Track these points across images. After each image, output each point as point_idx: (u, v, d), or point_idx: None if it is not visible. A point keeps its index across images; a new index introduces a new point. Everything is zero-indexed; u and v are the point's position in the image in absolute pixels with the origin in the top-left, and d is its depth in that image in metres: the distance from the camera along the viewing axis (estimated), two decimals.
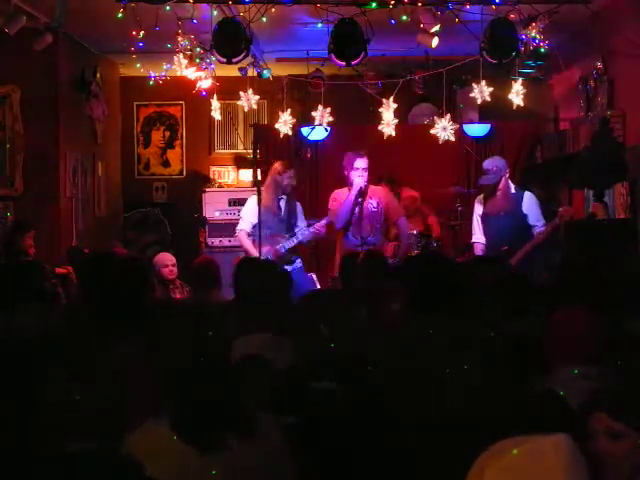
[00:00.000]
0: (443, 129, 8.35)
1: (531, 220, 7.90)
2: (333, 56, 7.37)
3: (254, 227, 8.09)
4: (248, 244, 8.12)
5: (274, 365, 3.42)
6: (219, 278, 6.60)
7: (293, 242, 8.09)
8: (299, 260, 8.24)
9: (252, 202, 8.23)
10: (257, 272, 4.88)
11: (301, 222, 8.26)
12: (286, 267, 7.46)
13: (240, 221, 8.35)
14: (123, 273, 4.61)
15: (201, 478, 2.55)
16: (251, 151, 11.35)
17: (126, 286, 4.19)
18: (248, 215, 8.22)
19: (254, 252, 7.90)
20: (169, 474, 2.48)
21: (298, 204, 8.37)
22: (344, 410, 2.20)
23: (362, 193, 8.05)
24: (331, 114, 8.37)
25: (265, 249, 7.91)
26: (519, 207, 7.90)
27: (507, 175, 8.01)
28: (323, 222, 8.08)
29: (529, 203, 7.93)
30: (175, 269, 7.60)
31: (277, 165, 8.33)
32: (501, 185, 7.95)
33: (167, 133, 12.88)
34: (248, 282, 4.72)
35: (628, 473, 2.20)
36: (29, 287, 5.08)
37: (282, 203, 8.19)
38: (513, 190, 7.99)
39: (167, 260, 7.62)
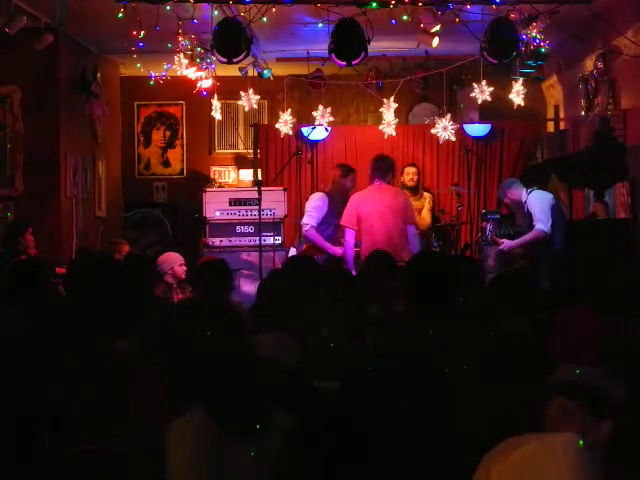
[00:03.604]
0: (444, 129, 8.37)
1: (533, 220, 7.95)
2: (333, 56, 7.37)
3: (319, 224, 8.08)
4: (321, 238, 8.06)
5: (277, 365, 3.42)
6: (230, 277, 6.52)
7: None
8: None
9: (321, 199, 8.18)
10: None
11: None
12: None
13: (307, 216, 8.23)
14: (126, 273, 4.63)
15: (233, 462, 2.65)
16: (251, 151, 11.37)
17: (128, 285, 4.20)
18: (315, 211, 8.14)
19: (333, 249, 7.91)
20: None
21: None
22: (345, 410, 2.21)
23: None
24: (332, 114, 8.38)
25: (334, 248, 7.96)
26: (528, 210, 8.01)
27: (508, 194, 8.26)
28: None
29: (529, 205, 7.99)
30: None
31: (338, 169, 8.31)
32: (507, 200, 8.33)
33: (167, 133, 12.88)
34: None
35: None
36: (30, 287, 5.10)
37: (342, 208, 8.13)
38: (523, 196, 8.05)
39: (179, 259, 7.52)
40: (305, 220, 8.18)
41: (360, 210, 7.87)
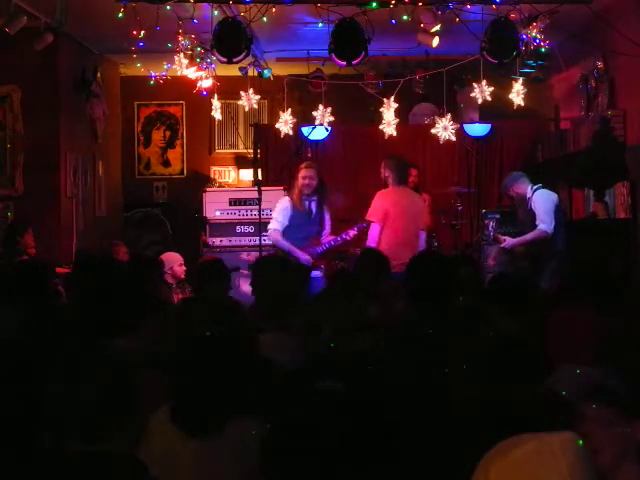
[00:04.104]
0: (444, 129, 8.36)
1: (536, 220, 7.97)
2: (334, 56, 7.37)
3: (288, 227, 7.91)
4: (286, 243, 7.85)
5: (277, 365, 3.42)
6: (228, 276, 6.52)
7: (324, 248, 7.97)
8: (322, 267, 8.11)
9: (284, 202, 8.03)
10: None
11: (328, 225, 8.14)
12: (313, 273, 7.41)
13: (272, 221, 8.08)
14: (130, 273, 4.63)
15: (194, 464, 2.71)
16: (252, 151, 11.37)
17: (132, 285, 4.20)
18: (280, 215, 7.98)
19: (299, 254, 7.74)
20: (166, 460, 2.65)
21: (326, 208, 8.15)
22: (346, 410, 2.21)
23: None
24: (332, 114, 8.37)
25: (300, 253, 7.78)
26: (531, 207, 8.04)
27: (514, 188, 8.22)
28: (354, 231, 7.97)
29: (534, 203, 8.03)
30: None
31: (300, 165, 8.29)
32: (512, 193, 8.30)
33: (167, 133, 12.89)
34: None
35: (616, 458, 2.22)
36: (31, 287, 5.10)
37: (313, 205, 7.99)
38: (529, 194, 8.06)
39: (179, 258, 7.52)
40: (269, 225, 8.11)
41: (389, 207, 7.94)
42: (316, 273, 7.71)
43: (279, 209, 8.02)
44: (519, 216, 8.46)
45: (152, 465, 2.52)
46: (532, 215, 7.98)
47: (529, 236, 7.99)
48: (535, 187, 8.06)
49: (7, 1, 7.55)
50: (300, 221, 7.89)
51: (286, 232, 7.87)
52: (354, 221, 8.21)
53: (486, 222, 8.72)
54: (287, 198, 8.03)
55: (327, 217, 8.13)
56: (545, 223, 7.88)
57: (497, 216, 8.97)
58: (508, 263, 8.24)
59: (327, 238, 8.00)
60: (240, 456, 2.69)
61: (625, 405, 2.41)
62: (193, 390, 2.76)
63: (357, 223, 8.04)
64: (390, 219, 7.90)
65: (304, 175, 7.95)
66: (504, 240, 8.20)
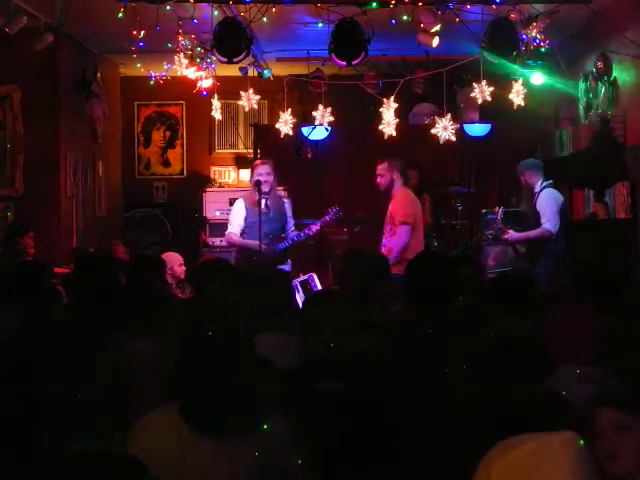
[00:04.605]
0: (444, 129, 8.36)
1: (541, 218, 8.01)
2: (334, 56, 7.38)
3: (243, 231, 7.95)
4: (240, 240, 7.95)
5: (278, 365, 3.42)
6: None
7: (287, 243, 7.99)
8: (289, 261, 8.14)
9: (239, 205, 8.08)
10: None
11: (290, 221, 8.15)
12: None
13: (228, 225, 8.19)
14: (132, 273, 4.63)
15: (202, 464, 2.66)
16: (252, 151, 11.36)
17: (133, 285, 4.21)
18: (235, 218, 8.05)
19: (251, 244, 7.76)
20: (171, 460, 2.62)
21: (286, 202, 8.21)
22: (348, 410, 2.21)
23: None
24: (332, 114, 8.37)
25: (251, 243, 7.78)
26: (536, 204, 8.08)
27: (526, 175, 8.31)
28: (317, 226, 8.02)
29: (539, 201, 8.07)
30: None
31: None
32: (522, 180, 8.37)
33: (167, 133, 12.88)
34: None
35: (633, 463, 2.22)
36: (32, 287, 5.10)
37: (270, 202, 7.97)
38: (537, 188, 8.13)
39: (179, 259, 7.53)
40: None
41: (416, 210, 8.13)
42: (284, 267, 7.75)
43: (233, 212, 8.14)
44: (521, 207, 8.51)
45: (152, 465, 2.52)
46: (535, 212, 8.03)
47: (532, 233, 8.05)
48: (545, 184, 8.11)
49: (7, 1, 7.55)
50: (258, 219, 7.87)
51: (248, 231, 7.91)
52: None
53: (497, 209, 8.68)
54: (241, 199, 8.10)
55: (289, 214, 8.14)
56: (550, 223, 7.93)
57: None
58: (508, 263, 8.27)
59: (291, 234, 8.05)
60: (242, 455, 2.69)
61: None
62: (193, 390, 2.76)
63: (319, 218, 8.10)
64: (416, 219, 8.09)
65: (260, 172, 7.98)
66: (508, 232, 8.23)
